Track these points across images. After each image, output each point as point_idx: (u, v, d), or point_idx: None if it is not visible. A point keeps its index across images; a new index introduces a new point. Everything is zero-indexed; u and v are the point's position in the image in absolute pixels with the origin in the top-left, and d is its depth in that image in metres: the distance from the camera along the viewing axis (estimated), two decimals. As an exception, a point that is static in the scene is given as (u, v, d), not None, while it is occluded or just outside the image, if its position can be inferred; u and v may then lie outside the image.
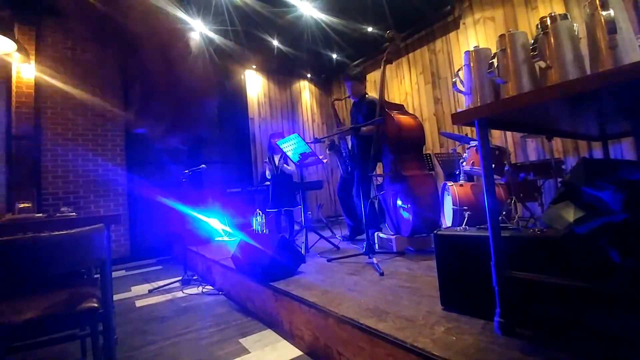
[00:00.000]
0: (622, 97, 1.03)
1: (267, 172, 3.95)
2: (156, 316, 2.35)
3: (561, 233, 1.04)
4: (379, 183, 3.30)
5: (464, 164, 2.95)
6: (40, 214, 2.28)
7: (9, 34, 3.34)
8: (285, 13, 4.38)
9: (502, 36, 1.18)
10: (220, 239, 4.31)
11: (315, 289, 1.88)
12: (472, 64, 1.29)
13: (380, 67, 3.10)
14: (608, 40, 0.89)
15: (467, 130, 3.90)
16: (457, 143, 4.04)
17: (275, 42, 5.22)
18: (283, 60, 5.83)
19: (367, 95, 3.44)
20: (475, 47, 1.31)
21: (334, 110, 3.69)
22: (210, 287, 2.96)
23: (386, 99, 3.20)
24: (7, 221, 1.87)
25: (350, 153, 3.39)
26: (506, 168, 2.63)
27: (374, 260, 2.27)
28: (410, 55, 5.43)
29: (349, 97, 3.52)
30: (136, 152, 4.82)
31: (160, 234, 4.82)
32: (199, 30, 4.51)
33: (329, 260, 2.60)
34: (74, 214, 2.33)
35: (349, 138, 3.46)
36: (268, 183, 3.94)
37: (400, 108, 3.11)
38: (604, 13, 0.90)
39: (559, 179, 2.48)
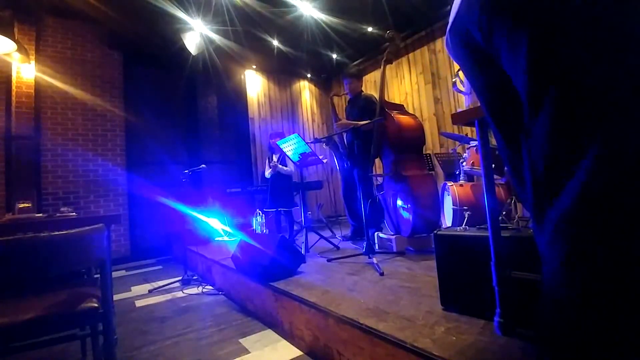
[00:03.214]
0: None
1: (267, 172, 3.95)
2: (156, 316, 2.35)
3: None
4: (379, 183, 3.30)
5: (464, 164, 2.95)
6: (40, 214, 2.28)
7: (9, 34, 3.34)
8: (285, 13, 4.38)
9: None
10: (220, 239, 4.31)
11: (315, 289, 1.88)
12: (472, 64, 1.29)
13: (380, 67, 3.11)
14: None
15: (467, 130, 3.90)
16: (457, 143, 4.04)
17: (275, 42, 5.22)
18: (283, 60, 5.83)
19: (362, 92, 3.54)
20: (475, 47, 1.31)
21: (333, 105, 3.71)
22: (210, 287, 2.96)
23: (386, 99, 3.21)
24: (7, 221, 1.87)
25: (347, 149, 3.40)
26: (506, 168, 2.63)
27: (374, 260, 2.27)
28: (410, 55, 5.43)
29: (346, 94, 3.58)
30: (136, 152, 4.82)
31: (160, 234, 4.82)
32: (199, 31, 4.51)
33: (329, 260, 2.60)
34: (74, 214, 2.33)
35: (345, 134, 3.47)
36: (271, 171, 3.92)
37: (400, 108, 3.12)
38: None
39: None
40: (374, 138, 3.05)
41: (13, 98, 3.88)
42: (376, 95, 3.19)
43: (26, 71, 3.99)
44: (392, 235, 2.87)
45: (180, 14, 4.16)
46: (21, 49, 3.81)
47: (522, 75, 0.58)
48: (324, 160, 3.60)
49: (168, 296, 2.81)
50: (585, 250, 0.50)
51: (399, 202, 2.82)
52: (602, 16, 0.51)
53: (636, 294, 0.45)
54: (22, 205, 2.12)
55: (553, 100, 0.54)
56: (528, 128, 0.59)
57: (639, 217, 0.45)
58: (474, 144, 2.90)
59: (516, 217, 2.56)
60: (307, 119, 6.93)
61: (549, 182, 0.57)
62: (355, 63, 6.21)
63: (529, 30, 0.56)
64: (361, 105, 3.38)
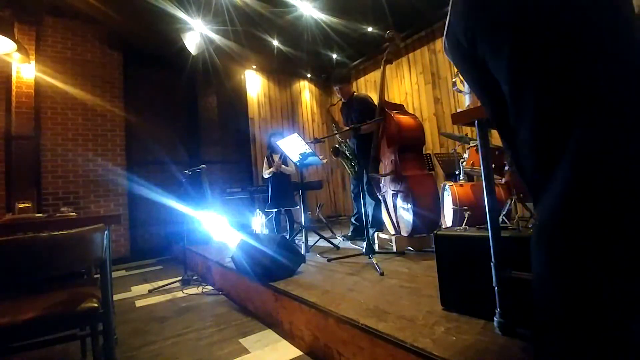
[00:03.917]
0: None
1: (267, 172, 3.95)
2: (156, 316, 2.35)
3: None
4: (380, 183, 3.29)
5: (464, 164, 2.95)
6: (40, 214, 2.28)
7: (9, 34, 3.34)
8: (285, 13, 4.38)
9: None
10: (220, 239, 4.31)
11: (315, 289, 1.88)
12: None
13: (380, 67, 3.10)
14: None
15: (467, 130, 3.90)
16: (457, 143, 4.04)
17: (275, 42, 5.22)
18: (283, 60, 5.83)
19: (355, 94, 3.52)
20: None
21: (332, 117, 3.68)
22: (210, 287, 2.96)
23: (386, 99, 3.20)
24: (7, 221, 1.87)
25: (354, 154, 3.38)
26: (506, 168, 2.63)
27: (374, 260, 2.27)
28: (410, 55, 5.43)
29: (340, 100, 3.55)
30: (136, 152, 4.82)
31: (160, 234, 4.82)
32: (199, 31, 4.51)
33: (329, 260, 2.60)
34: (74, 214, 2.33)
35: (349, 139, 3.46)
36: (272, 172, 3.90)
37: (400, 108, 3.11)
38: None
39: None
40: (374, 138, 3.05)
41: (13, 98, 3.88)
42: (376, 96, 3.19)
43: (26, 71, 3.99)
44: (392, 235, 2.87)
45: (180, 14, 4.16)
46: (21, 49, 3.81)
47: (505, 80, 0.62)
48: (324, 161, 3.59)
49: (168, 296, 2.81)
50: (563, 258, 0.53)
51: (399, 202, 2.81)
52: (575, 25, 0.54)
53: (611, 296, 0.48)
54: (22, 205, 2.12)
55: (532, 104, 0.57)
56: (515, 130, 0.62)
57: (609, 227, 0.49)
58: (474, 144, 2.90)
59: (516, 217, 2.56)
60: (307, 119, 6.93)
61: (535, 186, 0.59)
62: (355, 63, 6.24)
63: (509, 40, 0.59)
64: (357, 107, 3.37)
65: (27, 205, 2.16)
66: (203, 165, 3.47)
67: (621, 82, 0.51)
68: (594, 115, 0.51)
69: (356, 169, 3.20)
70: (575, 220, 0.51)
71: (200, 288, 2.94)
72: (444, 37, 0.76)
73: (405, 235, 2.75)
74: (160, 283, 3.17)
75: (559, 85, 0.54)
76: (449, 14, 0.72)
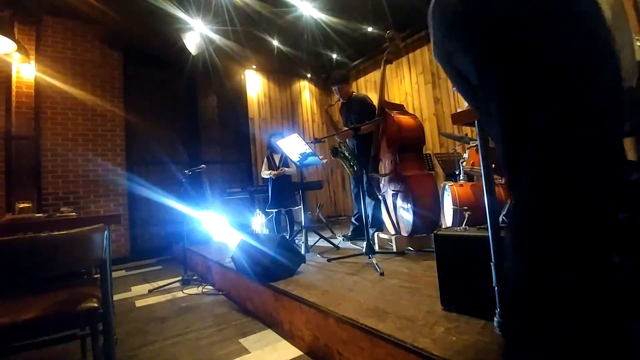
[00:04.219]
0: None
1: (264, 172, 3.95)
2: (156, 316, 2.35)
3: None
4: (380, 183, 3.29)
5: (464, 164, 2.96)
6: (40, 214, 2.28)
7: (9, 34, 3.34)
8: (285, 13, 4.38)
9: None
10: (220, 239, 4.31)
11: (315, 289, 1.88)
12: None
13: (380, 67, 3.10)
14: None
15: (467, 130, 3.90)
16: (457, 143, 4.04)
17: (275, 42, 5.22)
18: (283, 60, 5.83)
19: (354, 94, 3.50)
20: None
21: (330, 118, 3.67)
22: (210, 287, 2.96)
23: (386, 99, 3.19)
24: (7, 221, 1.87)
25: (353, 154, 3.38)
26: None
27: (374, 260, 2.27)
28: (410, 55, 5.43)
29: (339, 100, 3.55)
30: (136, 152, 4.82)
31: (160, 234, 4.82)
32: (199, 31, 4.51)
33: (329, 260, 2.60)
34: (74, 214, 2.33)
35: (348, 140, 3.46)
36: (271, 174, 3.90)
37: (400, 108, 3.12)
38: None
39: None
40: (374, 138, 3.05)
41: (13, 98, 3.88)
42: (376, 96, 3.19)
43: (26, 71, 3.99)
44: (392, 235, 2.87)
45: (180, 14, 4.16)
46: (21, 49, 3.80)
47: (478, 86, 0.67)
48: (324, 161, 3.59)
49: (168, 296, 2.81)
50: (542, 255, 0.57)
51: (399, 202, 2.81)
52: (533, 41, 0.58)
53: (609, 297, 0.52)
54: (22, 205, 2.12)
55: (498, 110, 0.62)
56: (489, 133, 0.68)
57: (560, 230, 0.53)
58: (474, 144, 2.90)
59: (516, 217, 2.56)
60: (307, 119, 6.93)
61: (508, 182, 0.65)
62: (355, 63, 6.23)
63: (477, 51, 0.65)
64: (357, 108, 3.37)
65: (27, 205, 2.15)
66: (203, 165, 3.47)
67: (582, 77, 0.55)
68: (557, 109, 0.55)
69: (355, 169, 3.20)
70: (551, 217, 0.55)
71: (200, 288, 2.94)
72: (432, 44, 0.80)
73: (405, 235, 2.75)
74: (160, 283, 3.17)
75: (520, 86, 0.58)
76: (428, 26, 0.76)
